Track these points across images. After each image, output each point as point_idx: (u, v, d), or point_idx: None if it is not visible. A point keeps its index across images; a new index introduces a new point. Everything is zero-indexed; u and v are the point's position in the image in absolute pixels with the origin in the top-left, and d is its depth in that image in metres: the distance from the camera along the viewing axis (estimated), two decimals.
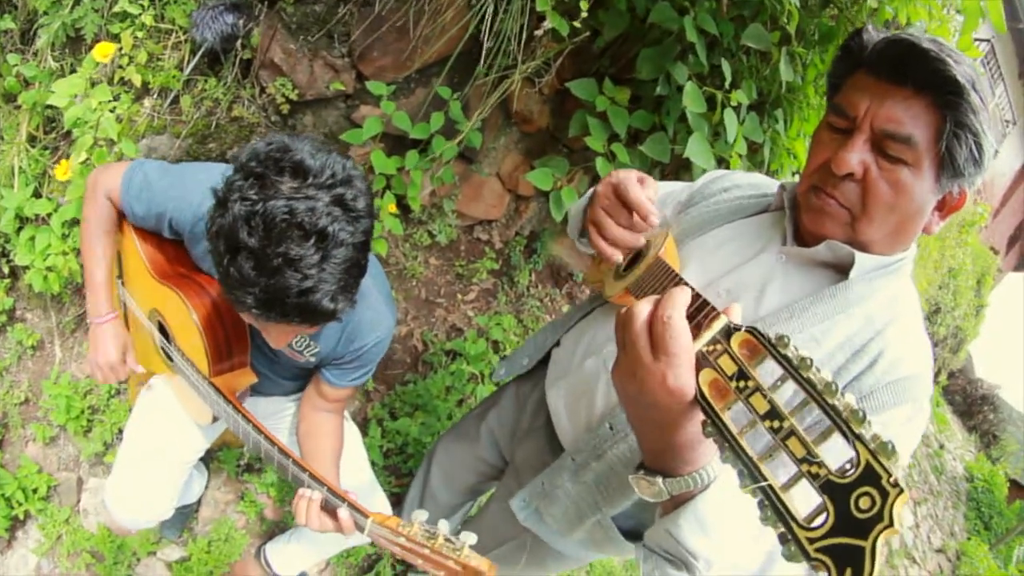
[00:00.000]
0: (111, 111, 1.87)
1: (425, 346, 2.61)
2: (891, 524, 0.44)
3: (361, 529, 1.21)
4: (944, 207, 0.95)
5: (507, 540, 1.45)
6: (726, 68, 1.94)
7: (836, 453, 0.50)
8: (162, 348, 1.48)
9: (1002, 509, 8.93)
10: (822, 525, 0.48)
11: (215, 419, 1.48)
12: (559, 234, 2.89)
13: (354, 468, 1.63)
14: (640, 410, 0.72)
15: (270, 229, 0.92)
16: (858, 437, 0.49)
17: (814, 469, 0.50)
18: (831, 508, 0.48)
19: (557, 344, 1.39)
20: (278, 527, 2.30)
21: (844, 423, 0.50)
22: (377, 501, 1.69)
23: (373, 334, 1.38)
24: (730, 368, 0.61)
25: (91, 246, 1.41)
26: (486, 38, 1.90)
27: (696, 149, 1.95)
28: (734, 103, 1.98)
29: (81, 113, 1.82)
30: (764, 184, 1.23)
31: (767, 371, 0.58)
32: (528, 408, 1.47)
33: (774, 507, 0.52)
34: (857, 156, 0.89)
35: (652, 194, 1.02)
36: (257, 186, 0.94)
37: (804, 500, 0.51)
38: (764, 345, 0.58)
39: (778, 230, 1.09)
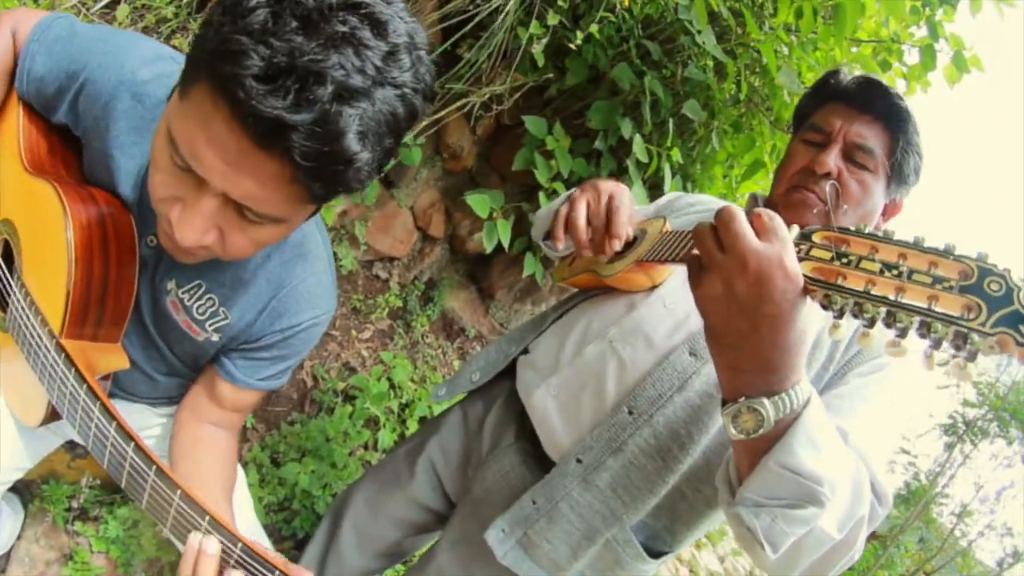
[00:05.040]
0: None
1: (315, 382, 2.70)
2: (1022, 288, 0.67)
3: None
4: (887, 212, 1.40)
5: None
6: (670, 126, 2.55)
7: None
8: None
9: None
10: (979, 314, 0.67)
11: (48, 419, 1.11)
12: (457, 286, 3.23)
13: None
14: (747, 314, 0.81)
15: (346, 2, 0.77)
16: (963, 256, 0.71)
17: (947, 284, 0.70)
18: (977, 300, 0.68)
19: (524, 352, 1.47)
20: None
21: (948, 253, 0.71)
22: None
23: (311, 311, 1.18)
24: (825, 255, 0.79)
25: None
26: (467, 50, 2.30)
27: (638, 195, 2.51)
28: (673, 159, 2.59)
29: None
30: (719, 203, 1.58)
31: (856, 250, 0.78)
32: (486, 430, 1.46)
33: (940, 319, 0.69)
34: (834, 160, 1.30)
35: (628, 236, 1.26)
36: None
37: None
38: (848, 232, 0.78)
39: None
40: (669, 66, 2.62)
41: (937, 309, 0.70)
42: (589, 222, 1.27)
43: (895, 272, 0.73)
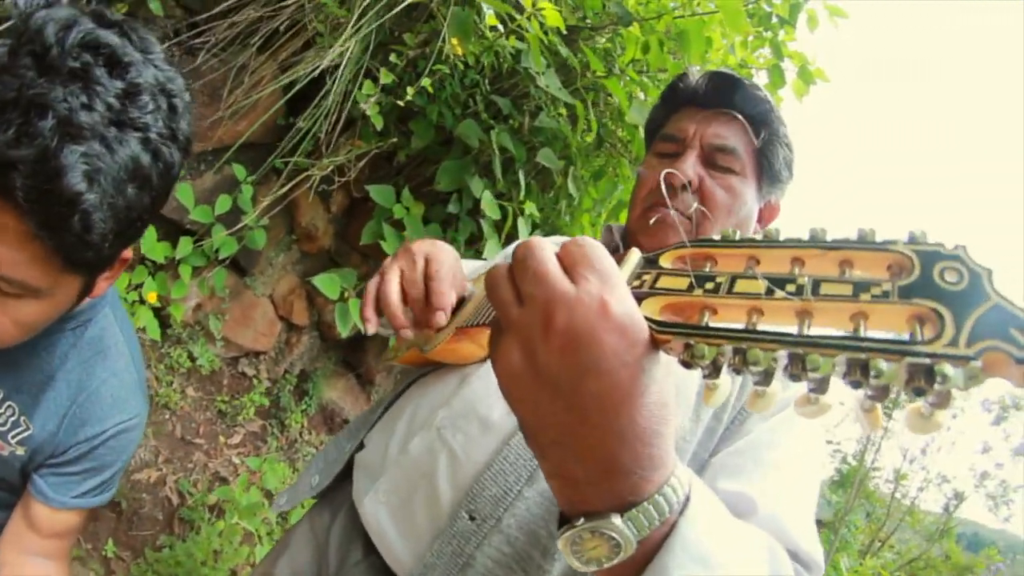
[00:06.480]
0: None
1: (182, 498, 2.52)
2: (992, 270, 0.44)
3: None
4: (763, 217, 1.30)
5: None
6: (521, 178, 2.51)
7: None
8: None
9: None
10: (940, 327, 0.43)
11: None
12: (333, 375, 3.10)
13: None
14: (564, 395, 0.54)
15: (86, 42, 0.78)
16: (889, 242, 0.48)
17: (876, 290, 0.46)
18: (932, 305, 0.44)
19: (360, 448, 1.28)
20: None
21: (865, 242, 0.49)
22: None
23: (117, 416, 1.13)
24: (680, 283, 0.55)
25: None
26: (299, 117, 2.26)
27: (494, 253, 2.47)
28: (527, 213, 2.55)
29: None
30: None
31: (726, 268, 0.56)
32: (332, 543, 1.26)
33: (882, 351, 0.43)
34: (692, 168, 1.18)
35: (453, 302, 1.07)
36: (92, 19, 0.82)
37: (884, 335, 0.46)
38: (711, 243, 0.57)
39: None
40: (517, 117, 2.61)
41: (871, 334, 0.45)
42: (405, 295, 1.07)
43: (792, 288, 0.49)
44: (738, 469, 0.92)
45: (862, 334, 0.45)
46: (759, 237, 0.54)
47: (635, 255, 0.61)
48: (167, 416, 2.60)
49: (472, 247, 2.69)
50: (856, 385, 0.44)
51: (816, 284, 0.48)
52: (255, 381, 2.86)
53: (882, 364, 0.43)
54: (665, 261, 0.58)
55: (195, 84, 2.25)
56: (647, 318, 0.53)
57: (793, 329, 0.47)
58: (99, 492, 1.18)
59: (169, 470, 2.55)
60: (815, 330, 0.47)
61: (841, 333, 0.46)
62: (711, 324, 0.51)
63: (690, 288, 0.54)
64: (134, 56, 0.82)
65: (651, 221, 1.20)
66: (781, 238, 0.53)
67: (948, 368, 0.41)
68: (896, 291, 0.45)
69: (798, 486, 0.94)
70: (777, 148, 1.22)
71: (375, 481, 1.12)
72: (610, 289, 0.52)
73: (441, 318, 1.03)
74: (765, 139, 1.21)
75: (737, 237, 0.55)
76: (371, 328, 1.07)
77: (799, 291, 0.48)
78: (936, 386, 0.41)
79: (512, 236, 2.56)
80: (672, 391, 0.58)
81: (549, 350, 0.53)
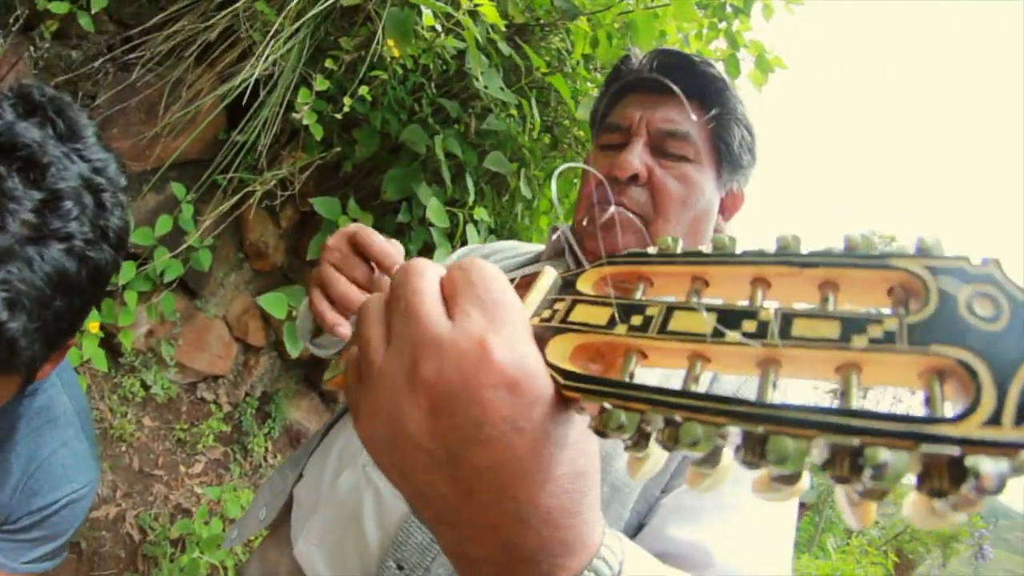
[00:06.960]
0: None
1: (143, 533, 2.44)
2: None
3: None
4: (726, 208, 1.16)
5: None
6: (469, 184, 2.44)
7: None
8: None
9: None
10: (976, 396, 0.28)
11: None
12: (296, 395, 3.02)
13: None
14: (441, 466, 0.41)
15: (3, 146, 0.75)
16: (891, 255, 0.34)
17: (875, 330, 0.32)
18: (966, 357, 0.29)
19: (300, 480, 1.21)
20: None
21: (856, 255, 0.35)
22: None
23: (68, 486, 1.11)
24: (599, 315, 0.41)
25: None
26: (237, 129, 2.18)
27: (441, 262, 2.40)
28: (477, 218, 2.49)
29: None
30: (523, 246, 1.37)
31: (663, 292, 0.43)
32: None
33: (885, 434, 0.29)
34: (639, 158, 1.04)
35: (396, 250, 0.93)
36: (20, 107, 0.80)
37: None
38: (644, 258, 0.43)
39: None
40: (465, 120, 2.54)
41: (861, 404, 0.31)
42: (354, 280, 0.90)
43: (751, 326, 0.34)
44: (693, 512, 0.82)
45: (853, 402, 0.30)
46: (707, 250, 0.40)
47: (548, 276, 0.47)
48: (123, 449, 2.51)
49: (426, 253, 2.62)
50: (842, 481, 0.30)
51: (787, 320, 0.34)
52: (214, 407, 2.80)
53: (883, 455, 0.28)
54: (584, 284, 0.45)
55: (131, 101, 2.18)
56: (552, 366, 0.40)
57: (752, 396, 0.33)
58: (51, 557, 1.17)
59: (128, 505, 2.46)
60: (778, 400, 0.32)
61: (821, 401, 0.32)
62: (636, 378, 0.37)
63: (611, 323, 0.39)
64: (54, 154, 0.78)
65: (598, 219, 1.07)
66: (737, 251, 0.39)
67: (987, 463, 0.26)
68: (905, 332, 0.31)
69: (765, 526, 0.83)
70: (733, 128, 1.09)
71: (308, 520, 1.07)
72: (496, 327, 0.40)
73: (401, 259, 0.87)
74: (719, 118, 1.08)
75: (679, 250, 0.41)
76: (347, 331, 0.89)
77: (761, 331, 0.34)
78: (964, 489, 0.27)
79: (465, 243, 2.49)
80: (595, 450, 0.45)
81: (417, 410, 0.40)
